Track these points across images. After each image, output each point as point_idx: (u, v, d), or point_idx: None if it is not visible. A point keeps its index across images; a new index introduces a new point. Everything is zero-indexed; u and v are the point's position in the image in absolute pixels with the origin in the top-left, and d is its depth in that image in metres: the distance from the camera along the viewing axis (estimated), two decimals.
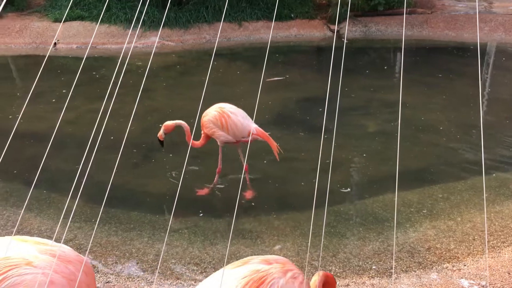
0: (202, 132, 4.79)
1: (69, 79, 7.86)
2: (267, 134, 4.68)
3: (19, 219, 4.25)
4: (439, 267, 3.61)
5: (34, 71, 8.83)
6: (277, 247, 4.01)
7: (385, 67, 9.36)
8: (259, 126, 4.78)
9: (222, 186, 5.00)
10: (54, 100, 6.88)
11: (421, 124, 6.36)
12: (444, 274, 3.54)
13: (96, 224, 4.15)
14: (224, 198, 4.88)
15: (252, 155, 5.51)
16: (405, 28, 10.89)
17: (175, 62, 9.03)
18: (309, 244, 3.67)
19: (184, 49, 9.82)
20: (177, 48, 9.76)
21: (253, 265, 2.18)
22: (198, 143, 4.79)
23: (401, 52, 10.45)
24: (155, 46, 9.68)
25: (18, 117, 6.46)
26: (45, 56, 9.42)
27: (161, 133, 4.73)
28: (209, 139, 4.77)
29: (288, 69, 8.70)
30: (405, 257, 3.76)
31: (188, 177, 5.10)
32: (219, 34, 10.30)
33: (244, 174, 4.89)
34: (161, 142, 4.78)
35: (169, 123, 4.70)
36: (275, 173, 5.23)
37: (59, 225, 4.14)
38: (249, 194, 4.83)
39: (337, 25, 11.05)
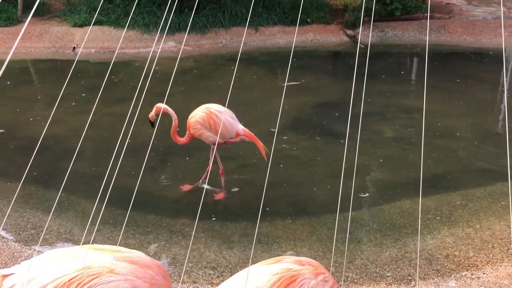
0: (187, 132, 4.76)
1: (88, 83, 7.97)
2: (253, 134, 4.67)
3: (46, 224, 4.32)
4: (458, 275, 3.57)
5: (53, 75, 8.98)
6: (289, 252, 4.00)
7: (402, 72, 9.30)
8: (278, 130, 4.78)
9: (236, 190, 5.01)
10: (73, 104, 6.96)
11: (438, 130, 6.30)
12: (463, 282, 3.50)
13: (123, 229, 4.19)
14: (239, 202, 4.89)
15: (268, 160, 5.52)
16: (422, 34, 10.82)
17: (192, 67, 9.08)
18: (333, 250, 3.66)
19: (200, 53, 9.88)
20: (194, 53, 9.83)
21: (286, 263, 2.22)
22: (182, 140, 4.77)
23: (418, 57, 10.39)
24: (181, 51, 9.75)
25: (39, 120, 6.58)
26: (64, 60, 9.57)
27: (152, 114, 4.73)
28: (193, 139, 4.76)
29: (304, 73, 8.70)
30: (423, 264, 3.73)
31: (206, 181, 5.12)
32: (243, 39, 10.35)
33: (220, 177, 4.93)
34: (151, 123, 4.78)
35: (161, 105, 4.64)
36: (291, 177, 5.23)
37: (87, 228, 4.20)
38: (220, 196, 4.87)
39: (355, 30, 11.02)
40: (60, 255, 2.07)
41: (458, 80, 8.27)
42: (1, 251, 3.83)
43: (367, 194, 4.93)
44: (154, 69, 8.53)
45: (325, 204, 4.77)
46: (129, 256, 2.12)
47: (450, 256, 3.81)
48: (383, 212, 4.57)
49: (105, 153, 5.53)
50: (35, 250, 3.92)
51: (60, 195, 4.80)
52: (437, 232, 4.15)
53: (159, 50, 9.59)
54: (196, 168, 5.35)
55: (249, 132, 4.68)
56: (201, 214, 4.56)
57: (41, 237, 4.17)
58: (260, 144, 4.64)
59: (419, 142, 6.02)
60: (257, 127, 6.50)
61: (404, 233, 4.18)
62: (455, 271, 3.62)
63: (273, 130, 6.39)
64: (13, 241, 4.06)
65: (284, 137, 6.04)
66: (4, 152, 5.80)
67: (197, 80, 8.48)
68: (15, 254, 3.78)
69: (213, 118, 4.50)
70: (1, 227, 4.21)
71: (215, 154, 4.76)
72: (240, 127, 4.63)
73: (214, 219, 4.50)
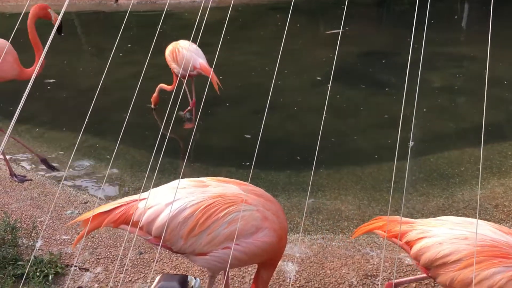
0: None
1: (132, 34, 8.02)
2: (210, 69, 4.97)
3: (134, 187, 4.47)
4: (507, 224, 3.51)
5: (97, 27, 9.08)
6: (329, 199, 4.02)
7: (455, 17, 8.88)
8: (322, 79, 4.71)
9: (280, 141, 5.03)
10: (121, 55, 7.05)
11: (490, 78, 6.05)
12: None
13: (180, 173, 4.29)
14: (283, 151, 4.91)
15: (310, 109, 5.48)
16: None
17: (234, 17, 8.97)
18: (390, 198, 3.64)
19: (242, 3, 9.72)
20: (236, 2, 9.68)
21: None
22: (171, 86, 5.34)
23: (469, 2, 9.85)
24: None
25: (87, 71, 6.73)
26: (107, 12, 9.64)
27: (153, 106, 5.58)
28: (177, 78, 5.22)
29: (348, 21, 8.44)
30: (472, 214, 3.68)
31: (255, 132, 5.16)
32: None
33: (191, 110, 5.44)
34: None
35: (154, 95, 5.51)
36: (335, 127, 5.19)
37: (150, 179, 4.34)
38: (189, 125, 5.45)
39: None
40: (187, 183, 2.21)
41: None
42: (58, 195, 4.03)
43: (413, 145, 4.85)
44: (195, 19, 8.48)
45: (370, 154, 4.73)
46: (255, 189, 2.24)
47: (499, 206, 3.73)
48: (430, 162, 4.50)
49: (149, 103, 5.63)
50: (89, 194, 4.10)
51: (110, 144, 4.97)
52: (486, 182, 4.07)
53: (202, 1, 9.49)
54: (238, 117, 5.38)
55: (206, 67, 4.99)
56: (247, 162, 4.62)
57: (93, 183, 4.36)
58: (213, 79, 4.91)
59: (470, 91, 5.81)
60: (301, 76, 6.44)
61: (451, 183, 4.11)
62: (504, 221, 3.56)
63: (319, 78, 6.32)
64: (68, 186, 4.26)
65: (328, 85, 5.96)
66: (56, 100, 6.02)
67: (240, 30, 8.39)
68: (71, 198, 3.97)
69: (176, 52, 5.09)
70: (57, 173, 4.41)
71: (186, 87, 5.41)
72: (198, 62, 4.99)
73: (259, 167, 4.55)
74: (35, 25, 4.01)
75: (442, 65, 6.65)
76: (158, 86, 5.46)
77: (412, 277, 2.52)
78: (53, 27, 1.55)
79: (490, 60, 6.69)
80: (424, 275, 2.25)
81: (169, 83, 5.44)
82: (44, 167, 4.46)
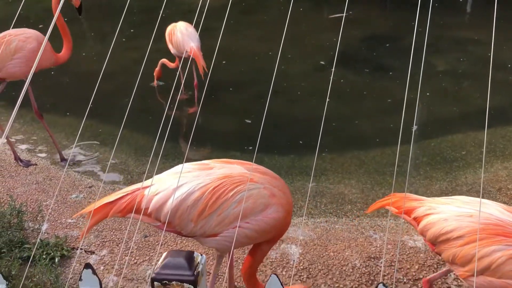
0: None
1: (135, 19, 7.98)
2: (199, 55, 5.05)
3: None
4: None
5: (99, 12, 9.03)
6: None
7: (459, 0, 8.79)
8: (325, 64, 4.71)
9: (283, 125, 5.03)
10: (124, 40, 7.02)
11: (494, 62, 6.01)
12: None
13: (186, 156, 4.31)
14: (286, 135, 4.92)
15: (313, 94, 5.47)
16: None
17: (237, 0, 8.90)
18: (393, 182, 3.65)
19: None
20: None
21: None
22: (174, 64, 5.48)
23: None
24: None
25: (90, 56, 6.72)
26: None
27: (156, 82, 5.66)
28: (180, 58, 5.39)
29: (351, 5, 8.36)
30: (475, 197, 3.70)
31: (256, 116, 5.16)
32: None
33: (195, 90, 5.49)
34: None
35: (157, 69, 5.59)
36: (339, 111, 5.18)
37: (153, 164, 4.36)
38: (193, 110, 5.51)
39: None
40: (191, 167, 2.22)
41: None
42: (63, 180, 4.05)
43: (416, 129, 4.84)
44: (198, 3, 8.42)
45: (373, 138, 4.73)
46: (259, 168, 2.27)
47: (503, 189, 3.74)
48: (433, 146, 4.50)
49: (152, 88, 5.64)
50: (93, 179, 4.13)
51: (113, 129, 4.98)
52: (490, 166, 4.07)
53: None
54: (242, 101, 5.38)
55: (196, 52, 5.08)
56: (250, 146, 4.64)
57: (98, 168, 4.39)
58: (199, 63, 4.99)
59: (474, 75, 5.79)
60: (305, 61, 6.41)
61: (455, 166, 4.12)
62: (507, 204, 3.56)
63: (322, 63, 6.29)
64: (73, 171, 4.28)
65: (331, 69, 5.94)
66: (59, 86, 6.02)
67: (243, 14, 8.33)
68: (76, 183, 4.00)
69: (171, 33, 5.27)
70: (61, 159, 4.43)
71: (181, 71, 5.48)
72: (191, 45, 5.11)
73: (262, 151, 4.57)
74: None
75: (446, 49, 6.61)
76: (160, 61, 5.54)
77: (444, 270, 2.54)
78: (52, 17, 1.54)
79: (495, 44, 6.60)
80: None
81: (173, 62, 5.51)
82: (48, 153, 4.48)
